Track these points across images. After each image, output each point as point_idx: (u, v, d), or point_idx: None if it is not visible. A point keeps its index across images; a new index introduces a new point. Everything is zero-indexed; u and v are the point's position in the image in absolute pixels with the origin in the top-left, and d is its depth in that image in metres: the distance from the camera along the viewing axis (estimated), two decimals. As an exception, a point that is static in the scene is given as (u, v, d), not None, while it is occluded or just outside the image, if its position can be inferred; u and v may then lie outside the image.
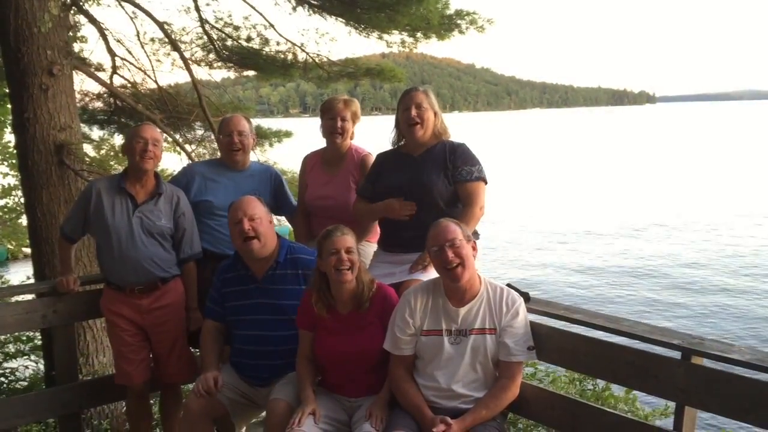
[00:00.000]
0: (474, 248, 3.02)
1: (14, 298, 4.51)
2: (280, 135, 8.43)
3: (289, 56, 7.46)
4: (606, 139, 73.27)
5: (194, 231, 3.78)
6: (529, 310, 3.23)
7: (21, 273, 11.78)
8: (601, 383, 4.68)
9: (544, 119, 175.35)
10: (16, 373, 6.22)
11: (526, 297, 3.28)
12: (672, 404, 3.40)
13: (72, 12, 5.95)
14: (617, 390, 4.66)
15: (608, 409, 3.29)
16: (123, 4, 6.74)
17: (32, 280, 5.98)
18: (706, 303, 12.76)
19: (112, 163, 6.47)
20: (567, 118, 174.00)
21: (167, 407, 4.00)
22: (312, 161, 4.19)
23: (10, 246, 16.25)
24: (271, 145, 8.37)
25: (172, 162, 7.18)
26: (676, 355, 2.73)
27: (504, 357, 3.00)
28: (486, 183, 3.59)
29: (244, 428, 3.71)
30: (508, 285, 3.33)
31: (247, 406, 3.44)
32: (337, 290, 3.10)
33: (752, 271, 15.07)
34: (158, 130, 3.81)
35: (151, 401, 4.18)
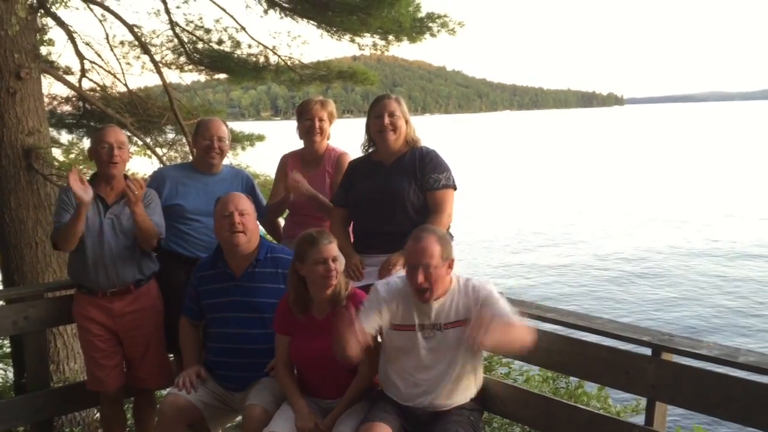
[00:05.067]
0: (450, 266, 2.94)
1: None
2: (253, 139, 8.41)
3: (261, 59, 7.44)
4: (576, 140, 74.07)
5: (161, 221, 3.73)
6: (503, 310, 3.26)
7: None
8: (573, 381, 4.75)
9: (514, 121, 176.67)
10: (-16, 381, 6.13)
11: (499, 296, 3.32)
12: (643, 401, 3.47)
13: (39, 14, 5.88)
14: (589, 388, 4.73)
15: (581, 406, 3.34)
16: (92, 6, 6.66)
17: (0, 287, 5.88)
18: (677, 299, 12.97)
19: (81, 167, 6.40)
20: (537, 120, 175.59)
21: (141, 413, 3.97)
22: (291, 160, 4.21)
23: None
24: (243, 148, 8.34)
25: (143, 166, 7.12)
26: (647, 351, 2.78)
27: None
28: (455, 189, 3.59)
29: (219, 432, 3.69)
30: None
31: (223, 410, 3.43)
32: (318, 294, 3.10)
33: (721, 266, 15.35)
34: (122, 131, 3.77)
35: (126, 407, 4.14)
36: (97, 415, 5.42)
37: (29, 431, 4.16)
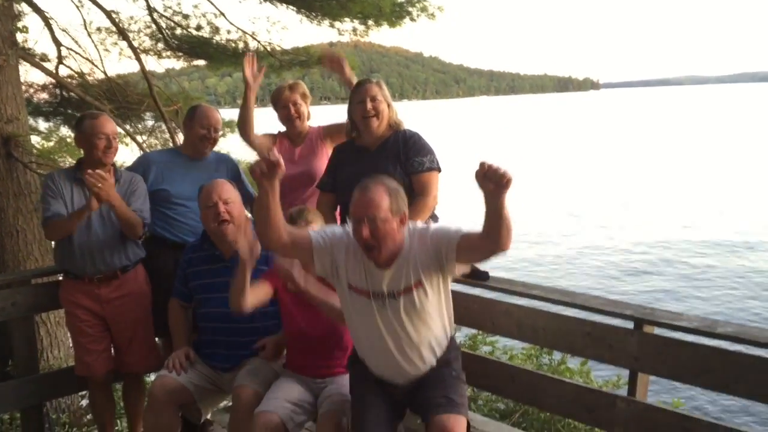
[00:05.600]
0: (402, 221, 2.65)
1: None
2: (233, 125, 8.37)
3: (240, 45, 7.43)
4: (553, 124, 74.52)
5: (145, 207, 3.72)
6: (489, 288, 3.34)
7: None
8: (556, 358, 4.84)
9: (492, 106, 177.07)
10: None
11: (485, 276, 3.38)
12: (623, 377, 3.57)
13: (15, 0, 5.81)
14: (571, 364, 4.82)
15: (567, 380, 3.42)
16: (69, -8, 6.61)
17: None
18: (656, 283, 13.20)
19: (60, 154, 6.36)
20: (514, 105, 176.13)
21: (130, 397, 3.98)
22: (280, 137, 4.23)
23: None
24: (223, 135, 8.31)
25: (123, 153, 7.08)
26: (629, 325, 2.86)
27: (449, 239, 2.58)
28: (439, 171, 3.61)
29: (210, 414, 3.72)
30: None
31: (213, 391, 3.45)
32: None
33: (699, 249, 15.61)
34: (112, 120, 3.77)
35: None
36: (82, 402, 5.45)
37: (20, 416, 4.16)
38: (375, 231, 2.56)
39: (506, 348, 5.05)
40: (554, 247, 16.46)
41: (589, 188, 25.86)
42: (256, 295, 3.09)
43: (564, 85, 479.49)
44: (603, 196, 23.66)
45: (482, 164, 2.22)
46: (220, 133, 4.05)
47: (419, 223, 2.75)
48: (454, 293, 3.43)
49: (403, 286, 2.65)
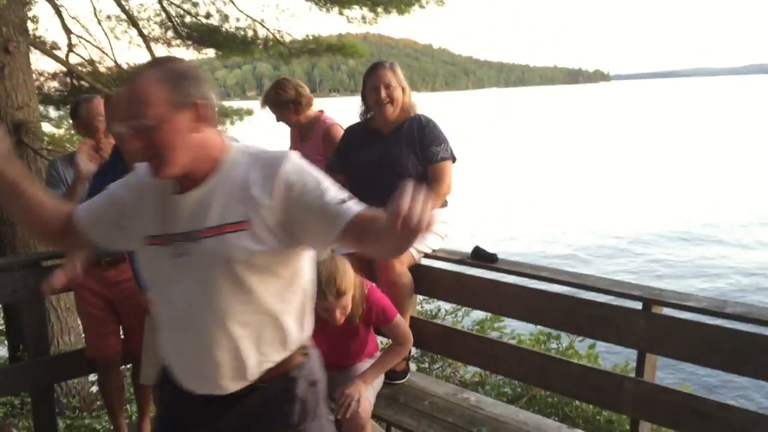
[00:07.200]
0: (198, 118, 1.65)
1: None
2: (242, 113, 8.43)
3: (250, 33, 7.44)
4: (563, 115, 74.31)
5: None
6: (497, 270, 3.33)
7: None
8: (564, 343, 4.84)
9: (501, 98, 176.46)
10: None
11: (493, 258, 3.38)
12: (631, 363, 3.55)
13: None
14: (580, 349, 4.81)
15: (574, 361, 3.42)
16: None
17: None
18: (662, 267, 13.20)
19: (71, 141, 6.41)
20: (524, 97, 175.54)
21: (138, 379, 4.01)
22: (292, 132, 4.36)
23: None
24: (232, 123, 8.35)
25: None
26: (638, 305, 2.85)
27: (326, 234, 1.74)
28: (453, 160, 3.63)
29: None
30: (476, 248, 3.43)
31: None
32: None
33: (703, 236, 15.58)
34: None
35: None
36: (93, 388, 5.49)
37: (30, 398, 4.18)
38: (152, 141, 1.60)
39: (514, 334, 5.06)
40: (563, 231, 16.48)
41: (602, 177, 25.75)
42: None
43: (574, 76, 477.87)
44: (609, 187, 23.56)
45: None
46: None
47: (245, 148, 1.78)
48: (460, 275, 3.45)
49: (215, 221, 1.69)
